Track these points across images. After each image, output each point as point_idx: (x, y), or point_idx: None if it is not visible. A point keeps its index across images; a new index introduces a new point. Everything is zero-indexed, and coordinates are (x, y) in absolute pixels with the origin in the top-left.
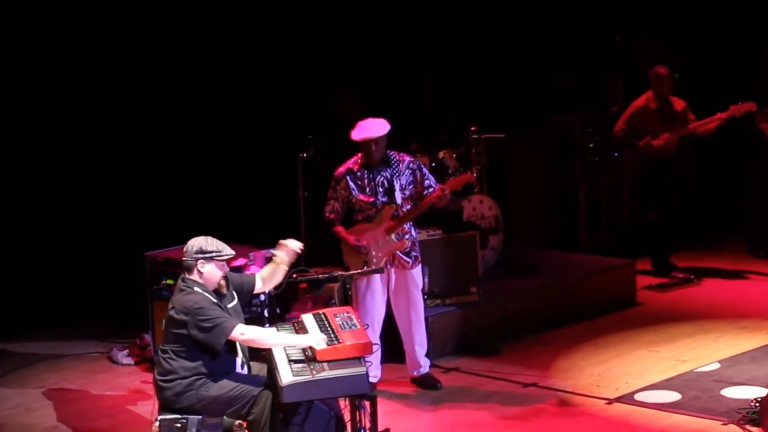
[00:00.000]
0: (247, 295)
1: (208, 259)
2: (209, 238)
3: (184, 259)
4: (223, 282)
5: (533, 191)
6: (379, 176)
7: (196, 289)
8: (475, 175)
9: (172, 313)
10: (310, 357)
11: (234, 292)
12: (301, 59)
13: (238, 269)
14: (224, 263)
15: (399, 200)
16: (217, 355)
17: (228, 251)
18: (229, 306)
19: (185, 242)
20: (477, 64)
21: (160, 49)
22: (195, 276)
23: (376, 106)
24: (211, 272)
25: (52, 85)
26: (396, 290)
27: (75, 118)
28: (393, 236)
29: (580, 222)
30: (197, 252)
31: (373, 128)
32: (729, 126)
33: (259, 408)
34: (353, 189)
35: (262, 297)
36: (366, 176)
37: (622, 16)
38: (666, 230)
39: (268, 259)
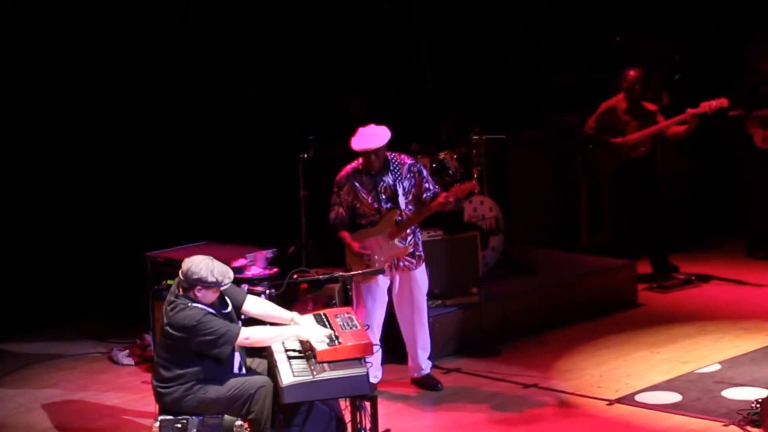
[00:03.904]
0: (235, 310)
1: (206, 287)
2: (212, 264)
3: (182, 278)
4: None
5: (534, 191)
6: (381, 182)
7: (191, 304)
8: (476, 176)
9: (168, 329)
10: (310, 357)
11: (227, 299)
12: (301, 60)
13: (238, 269)
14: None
15: (403, 205)
16: (222, 362)
17: (229, 277)
18: (224, 311)
19: (186, 242)
20: (478, 64)
21: (161, 49)
22: (190, 294)
23: (378, 107)
24: (207, 296)
25: (53, 84)
26: (400, 293)
27: (76, 117)
28: (396, 241)
29: (582, 221)
30: (196, 280)
31: (371, 139)
32: (723, 128)
33: (258, 406)
34: (360, 190)
35: (263, 297)
36: (367, 182)
37: (622, 16)
38: (662, 231)
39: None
